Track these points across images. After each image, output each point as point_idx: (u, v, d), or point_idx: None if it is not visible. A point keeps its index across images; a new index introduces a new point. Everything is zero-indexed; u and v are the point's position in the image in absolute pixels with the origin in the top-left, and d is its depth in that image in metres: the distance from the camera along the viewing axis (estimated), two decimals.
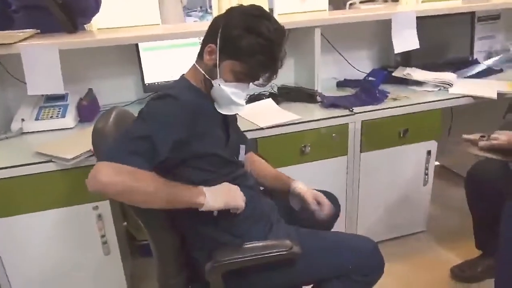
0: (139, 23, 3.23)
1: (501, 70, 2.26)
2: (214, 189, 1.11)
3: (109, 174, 0.97)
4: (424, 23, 2.08)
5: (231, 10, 1.16)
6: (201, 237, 1.18)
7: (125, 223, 1.90)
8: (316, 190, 1.50)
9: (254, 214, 1.21)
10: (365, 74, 2.15)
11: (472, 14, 2.27)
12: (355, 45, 2.30)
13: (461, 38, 2.31)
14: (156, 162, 1.03)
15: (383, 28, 2.13)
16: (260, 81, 1.18)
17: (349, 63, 2.27)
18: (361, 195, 1.91)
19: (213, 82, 1.15)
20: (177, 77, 1.25)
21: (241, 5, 1.21)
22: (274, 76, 1.17)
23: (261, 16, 1.12)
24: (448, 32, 2.26)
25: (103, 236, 1.56)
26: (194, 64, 1.21)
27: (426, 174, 1.97)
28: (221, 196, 1.11)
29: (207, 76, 1.16)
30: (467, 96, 1.89)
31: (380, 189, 1.94)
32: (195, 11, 5.70)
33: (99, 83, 1.94)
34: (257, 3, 1.21)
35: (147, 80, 1.92)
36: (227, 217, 1.14)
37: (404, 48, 2.06)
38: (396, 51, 2.07)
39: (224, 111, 1.19)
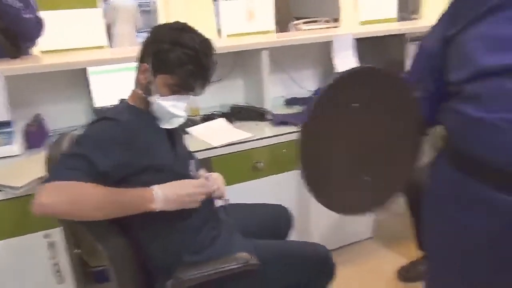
0: (85, 45, 3.20)
1: None
2: (164, 189, 1.12)
3: (50, 194, 0.99)
4: (363, 43, 2.25)
5: (155, 28, 1.21)
6: (155, 246, 1.21)
7: (78, 250, 1.85)
8: (269, 204, 1.58)
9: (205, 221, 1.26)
10: (311, 92, 2.28)
11: (403, 35, 2.50)
12: (301, 65, 2.44)
13: (395, 57, 2.52)
14: (96, 174, 1.05)
15: (326, 48, 2.28)
16: (196, 90, 1.22)
17: (296, 82, 2.40)
18: (312, 207, 2.00)
19: (150, 99, 1.19)
20: None
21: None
22: (207, 84, 1.22)
23: (184, 29, 1.19)
24: (384, 52, 2.46)
25: (55, 264, 1.51)
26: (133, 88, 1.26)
27: None
28: (173, 194, 1.13)
29: (144, 95, 1.20)
30: None
31: None
32: (145, 32, 5.68)
33: (47, 108, 1.90)
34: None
35: (97, 104, 1.91)
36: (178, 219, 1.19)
37: (345, 67, 2.21)
38: (338, 71, 2.23)
39: (166, 126, 1.24)
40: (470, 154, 0.90)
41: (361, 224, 2.20)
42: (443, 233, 1.02)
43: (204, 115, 2.03)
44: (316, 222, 2.04)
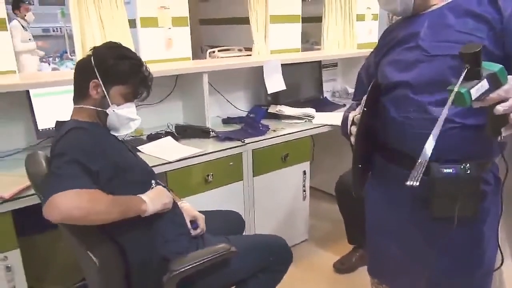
0: None
1: (344, 105, 2.90)
2: (150, 195, 1.27)
3: (69, 201, 1.07)
4: (286, 69, 2.56)
5: (95, 49, 1.32)
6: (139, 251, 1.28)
7: None
8: (223, 210, 1.74)
9: (175, 220, 1.37)
10: (244, 112, 2.51)
11: (319, 62, 2.89)
12: (234, 88, 2.66)
13: (313, 81, 2.90)
14: (92, 176, 1.15)
15: (253, 73, 2.54)
16: (142, 96, 1.37)
17: (230, 103, 2.61)
18: (256, 213, 2.19)
19: (107, 111, 1.30)
20: None
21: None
22: (150, 91, 1.38)
23: (120, 46, 1.35)
24: (304, 76, 2.82)
25: None
26: (76, 107, 1.32)
27: (304, 190, 2.38)
28: (158, 199, 1.28)
29: (99, 109, 1.30)
30: (327, 125, 2.39)
31: (271, 207, 2.26)
32: (51, 57, 5.47)
33: None
34: None
35: (41, 126, 1.88)
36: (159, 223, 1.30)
37: (275, 89, 2.50)
38: (269, 92, 2.50)
39: (124, 132, 1.38)
40: (387, 145, 1.20)
41: (297, 229, 2.44)
42: (379, 204, 1.31)
43: (150, 134, 2.12)
44: (259, 228, 2.23)
